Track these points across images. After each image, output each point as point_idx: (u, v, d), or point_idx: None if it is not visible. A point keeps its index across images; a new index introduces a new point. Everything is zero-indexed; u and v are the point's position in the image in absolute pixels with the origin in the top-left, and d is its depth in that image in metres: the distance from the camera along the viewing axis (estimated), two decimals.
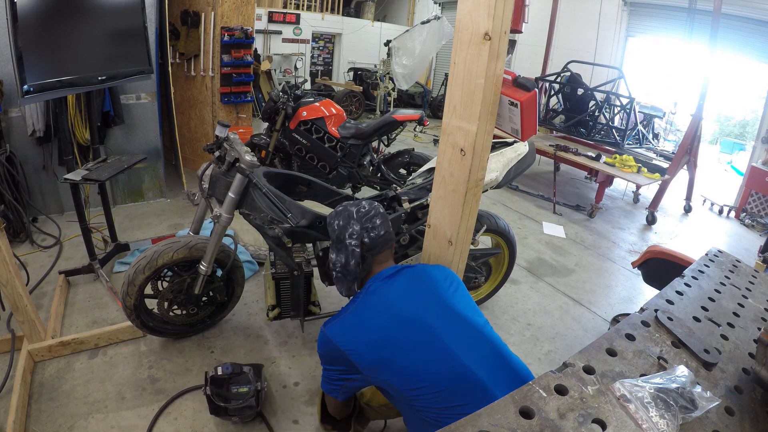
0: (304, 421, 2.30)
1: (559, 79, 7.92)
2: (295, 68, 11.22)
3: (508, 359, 1.53)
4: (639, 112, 7.67)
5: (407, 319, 1.58)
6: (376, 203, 1.90)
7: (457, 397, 1.41)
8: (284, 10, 11.21)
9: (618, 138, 7.19)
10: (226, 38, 5.22)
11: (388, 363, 1.52)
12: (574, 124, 7.64)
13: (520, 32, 5.16)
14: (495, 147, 2.94)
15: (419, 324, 1.55)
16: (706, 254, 1.70)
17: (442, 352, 1.48)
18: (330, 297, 3.32)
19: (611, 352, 1.02)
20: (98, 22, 3.16)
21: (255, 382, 2.22)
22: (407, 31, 8.93)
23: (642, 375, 0.96)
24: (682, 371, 0.94)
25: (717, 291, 1.41)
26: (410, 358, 1.50)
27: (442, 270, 1.83)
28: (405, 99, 12.42)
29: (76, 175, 2.98)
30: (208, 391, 2.13)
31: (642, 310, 1.23)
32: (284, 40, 11.16)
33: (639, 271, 3.27)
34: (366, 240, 1.76)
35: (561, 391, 0.88)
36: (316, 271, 2.66)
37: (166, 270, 2.51)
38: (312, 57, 12.37)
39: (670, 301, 1.28)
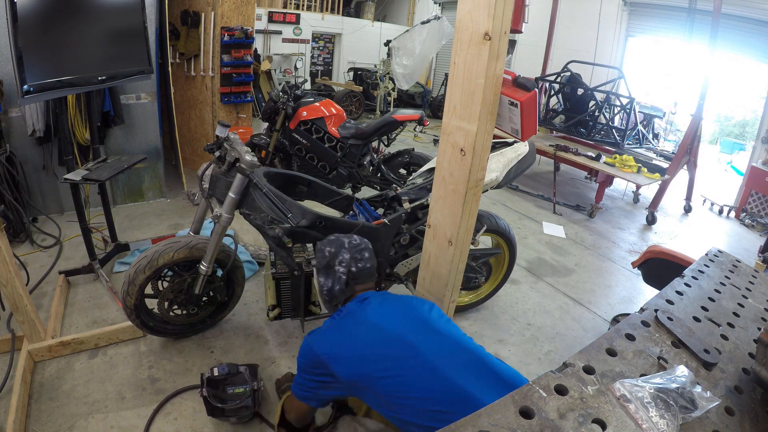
0: None
1: (559, 79, 7.92)
2: (295, 68, 11.22)
3: (491, 365, 1.58)
4: (639, 112, 7.67)
5: (388, 333, 1.66)
6: (366, 240, 2.02)
7: (441, 405, 1.47)
8: (284, 10, 11.20)
9: (618, 138, 7.19)
10: (226, 38, 5.22)
11: (370, 374, 1.59)
12: (574, 124, 7.64)
13: (520, 32, 5.15)
14: (495, 147, 2.94)
15: (399, 339, 1.63)
16: (706, 254, 1.70)
17: (424, 365, 1.55)
18: None
19: (611, 352, 1.02)
20: (98, 22, 3.16)
21: (251, 382, 2.23)
22: (407, 31, 8.92)
23: (642, 375, 0.96)
24: (682, 371, 0.94)
25: (717, 291, 1.41)
26: (392, 371, 1.57)
27: (412, 297, 1.97)
28: (405, 99, 12.43)
29: (76, 175, 2.98)
30: (204, 393, 2.13)
31: (642, 310, 1.23)
32: (284, 40, 11.16)
33: (639, 271, 3.27)
34: (353, 269, 1.88)
35: (561, 391, 0.88)
36: None
37: (166, 270, 2.51)
38: (312, 57, 12.37)
39: (670, 301, 1.29)
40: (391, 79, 9.88)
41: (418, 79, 10.05)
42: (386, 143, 4.79)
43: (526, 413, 0.82)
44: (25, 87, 2.50)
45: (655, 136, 8.61)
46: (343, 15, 12.83)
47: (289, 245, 2.29)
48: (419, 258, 2.38)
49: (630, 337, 1.08)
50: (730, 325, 1.24)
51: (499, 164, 2.74)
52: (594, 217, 5.82)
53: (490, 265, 3.30)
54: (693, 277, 1.47)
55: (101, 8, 3.19)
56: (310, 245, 2.70)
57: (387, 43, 9.41)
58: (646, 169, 5.94)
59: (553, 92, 8.17)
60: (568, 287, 3.94)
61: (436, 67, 13.64)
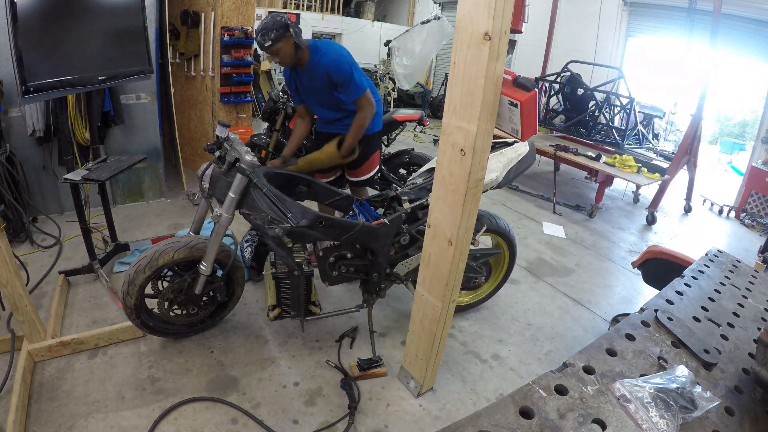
0: (304, 421, 2.30)
1: (559, 79, 7.92)
2: None
3: None
4: (639, 112, 7.67)
5: None
6: None
7: None
8: (284, 10, 11.22)
9: (618, 138, 7.19)
10: (226, 38, 5.22)
11: None
12: (574, 124, 7.64)
13: (520, 32, 5.17)
14: (495, 147, 2.94)
15: None
16: (706, 254, 1.70)
17: None
18: (330, 297, 3.32)
19: (611, 352, 1.02)
20: (98, 22, 3.16)
21: None
22: (407, 31, 8.92)
23: (642, 375, 0.96)
24: (682, 371, 0.94)
25: (717, 291, 1.41)
26: None
27: None
28: (405, 99, 12.43)
29: (76, 175, 2.98)
30: None
31: (642, 310, 1.23)
32: None
33: (639, 271, 3.27)
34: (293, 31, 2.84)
35: (561, 391, 0.89)
36: (316, 271, 2.66)
37: (166, 270, 2.51)
38: None
39: (670, 301, 1.29)
40: (391, 79, 9.87)
41: (419, 79, 10.06)
42: (386, 143, 4.79)
43: (526, 413, 0.82)
44: (25, 87, 2.50)
45: (655, 136, 8.61)
46: (343, 15, 12.85)
47: (289, 245, 2.29)
48: (419, 258, 2.38)
49: (630, 337, 1.08)
50: (730, 325, 1.24)
51: (499, 164, 2.74)
52: (594, 217, 5.82)
53: (489, 265, 3.30)
54: (693, 277, 1.47)
55: (101, 8, 3.19)
56: (310, 245, 2.70)
57: (387, 43, 9.41)
58: (646, 169, 5.93)
59: (553, 92, 8.17)
60: (568, 287, 3.94)
61: (436, 67, 13.64)
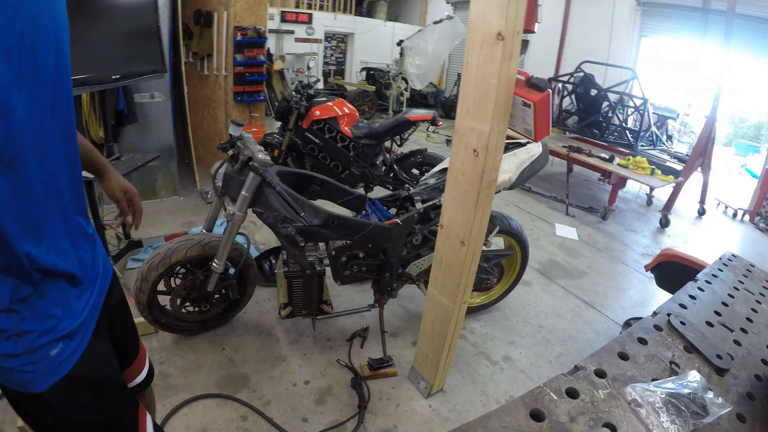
0: (314, 420, 2.31)
1: (572, 80, 7.87)
2: (308, 68, 11.26)
3: None
4: (653, 113, 7.59)
5: None
6: None
7: None
8: (297, 10, 11.25)
9: (631, 139, 7.12)
10: (239, 38, 5.25)
11: None
12: (587, 125, 7.58)
13: (533, 32, 5.15)
14: (508, 148, 2.93)
15: None
16: (720, 258, 1.69)
17: None
18: (342, 296, 3.33)
19: (623, 356, 1.02)
20: (112, 22, 3.19)
21: None
22: (420, 31, 8.93)
23: (654, 379, 0.95)
24: (694, 376, 0.94)
25: (730, 296, 1.40)
26: None
27: None
28: (417, 99, 12.41)
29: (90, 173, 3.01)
30: None
31: (655, 314, 1.23)
32: (297, 40, 11.21)
33: (652, 275, 3.24)
34: None
35: (572, 394, 0.89)
36: (328, 270, 2.67)
37: (179, 267, 2.53)
38: (325, 56, 12.41)
39: (683, 306, 1.28)
40: (404, 78, 9.89)
41: (432, 79, 10.05)
42: (399, 143, 4.80)
43: (537, 416, 0.83)
44: None
45: (669, 137, 8.52)
46: (355, 15, 12.87)
47: (301, 244, 2.31)
48: (431, 258, 2.39)
49: (642, 341, 1.08)
50: (743, 330, 1.23)
51: (511, 165, 2.74)
52: (607, 219, 5.78)
53: (502, 266, 3.29)
54: (706, 281, 1.46)
55: (115, 8, 3.23)
56: (322, 244, 2.72)
57: (399, 43, 9.42)
58: (659, 171, 5.88)
59: (566, 93, 8.12)
60: (580, 290, 3.92)
61: (448, 67, 13.62)
